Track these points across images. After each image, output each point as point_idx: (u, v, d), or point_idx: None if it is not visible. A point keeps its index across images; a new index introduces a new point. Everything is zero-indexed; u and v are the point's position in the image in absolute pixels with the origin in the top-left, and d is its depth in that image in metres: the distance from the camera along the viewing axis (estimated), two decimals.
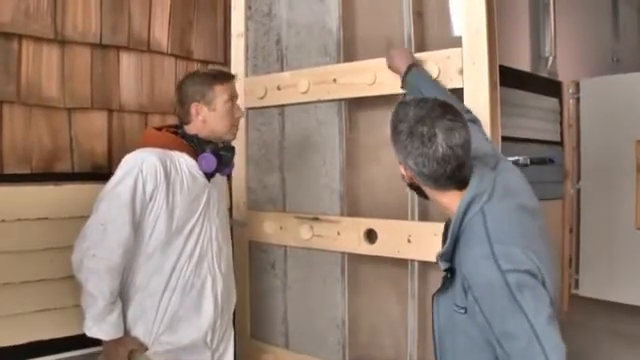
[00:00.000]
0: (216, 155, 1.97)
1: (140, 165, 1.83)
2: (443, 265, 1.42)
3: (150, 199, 1.84)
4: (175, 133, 2.00)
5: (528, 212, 1.44)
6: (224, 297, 2.05)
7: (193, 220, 1.95)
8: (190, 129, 1.99)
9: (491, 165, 1.47)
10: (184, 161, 1.94)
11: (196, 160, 1.96)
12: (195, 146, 1.97)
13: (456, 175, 1.39)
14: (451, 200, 1.43)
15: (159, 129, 2.04)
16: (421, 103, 1.43)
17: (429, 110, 1.40)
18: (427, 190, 1.48)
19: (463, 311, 1.38)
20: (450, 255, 1.42)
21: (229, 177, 2.70)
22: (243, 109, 2.59)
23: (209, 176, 2.01)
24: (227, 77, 2.05)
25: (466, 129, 1.39)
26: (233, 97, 2.02)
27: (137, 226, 1.84)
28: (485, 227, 1.35)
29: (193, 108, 1.96)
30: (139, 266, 1.88)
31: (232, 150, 2.08)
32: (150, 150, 1.89)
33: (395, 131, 1.43)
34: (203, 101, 1.96)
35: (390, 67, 2.10)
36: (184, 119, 2.00)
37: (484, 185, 1.40)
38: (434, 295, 1.54)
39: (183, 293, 1.93)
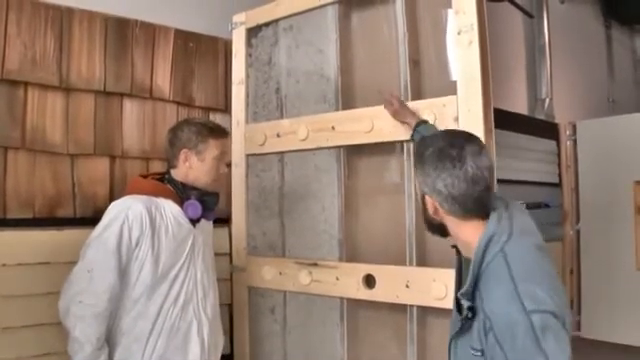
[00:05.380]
0: (201, 201, 2.01)
1: (126, 212, 1.87)
2: (466, 303, 1.36)
3: (136, 245, 1.88)
4: (161, 180, 2.05)
5: (544, 251, 1.43)
6: (211, 341, 2.06)
7: (178, 265, 1.97)
8: (176, 174, 2.04)
9: (504, 205, 1.46)
10: (169, 207, 1.98)
11: (181, 206, 2.00)
12: (180, 193, 2.01)
13: (483, 199, 1.39)
14: (473, 232, 1.41)
15: (145, 176, 2.10)
16: (447, 132, 1.50)
17: (456, 136, 1.45)
18: (450, 221, 1.45)
19: (480, 354, 1.35)
20: (471, 295, 1.38)
21: (227, 222, 2.74)
22: (243, 155, 2.67)
23: (194, 222, 2.04)
24: (223, 133, 2.10)
25: (489, 155, 1.43)
26: (223, 154, 2.08)
27: (123, 272, 1.87)
28: (507, 266, 1.32)
29: (182, 154, 2.01)
30: (125, 311, 1.90)
31: (216, 196, 2.11)
32: (136, 197, 1.94)
33: (421, 158, 1.43)
34: (194, 150, 2.01)
35: (395, 115, 2.17)
36: (172, 162, 2.06)
37: (503, 225, 1.39)
38: (452, 338, 1.50)
39: (169, 337, 1.94)
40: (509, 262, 1.33)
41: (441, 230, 1.50)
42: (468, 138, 1.44)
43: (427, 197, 1.45)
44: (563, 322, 1.29)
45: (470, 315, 1.37)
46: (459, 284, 1.55)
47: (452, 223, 1.45)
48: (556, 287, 1.35)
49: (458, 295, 1.40)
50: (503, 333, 1.27)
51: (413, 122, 2.09)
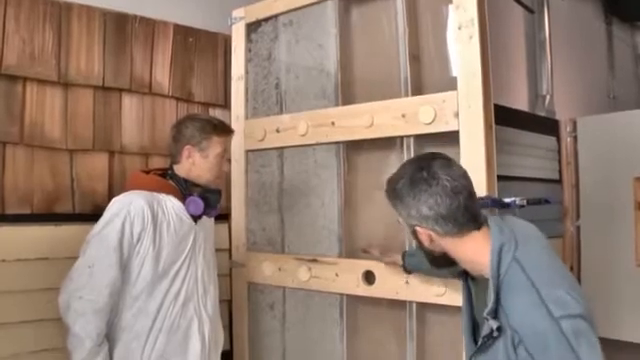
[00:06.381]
0: (203, 198, 2.01)
1: (128, 207, 1.87)
2: (495, 324, 1.30)
3: (137, 241, 1.87)
4: (163, 175, 2.05)
5: (552, 252, 1.41)
6: (212, 338, 2.06)
7: (179, 262, 1.97)
8: (179, 170, 2.04)
9: (499, 216, 1.46)
10: (171, 203, 1.98)
11: (183, 202, 1.99)
12: (183, 189, 2.01)
13: (470, 208, 1.37)
14: (474, 245, 1.39)
15: (147, 172, 2.08)
16: (408, 161, 1.48)
17: (420, 159, 1.45)
18: (448, 244, 1.41)
19: None
20: (494, 312, 1.32)
21: (226, 218, 2.73)
22: (243, 151, 2.66)
23: (196, 218, 2.04)
24: (227, 131, 2.09)
25: (459, 164, 1.42)
26: (226, 151, 2.07)
27: (124, 268, 1.86)
28: (525, 273, 1.30)
29: (186, 150, 2.00)
30: (125, 307, 1.90)
31: (219, 193, 2.10)
32: (137, 193, 1.93)
33: (396, 193, 1.42)
34: (198, 147, 2.00)
35: (382, 255, 2.18)
36: (175, 157, 2.05)
37: (506, 234, 1.37)
38: (471, 357, 1.45)
39: (169, 334, 1.93)
40: (525, 268, 1.31)
41: (446, 260, 1.47)
42: (432, 156, 1.43)
43: (418, 229, 1.42)
44: (591, 323, 1.25)
45: (496, 334, 1.32)
46: (471, 308, 1.53)
47: (451, 245, 1.42)
48: (575, 286, 1.32)
49: (485, 315, 1.34)
50: (534, 344, 1.23)
51: (399, 254, 2.09)
